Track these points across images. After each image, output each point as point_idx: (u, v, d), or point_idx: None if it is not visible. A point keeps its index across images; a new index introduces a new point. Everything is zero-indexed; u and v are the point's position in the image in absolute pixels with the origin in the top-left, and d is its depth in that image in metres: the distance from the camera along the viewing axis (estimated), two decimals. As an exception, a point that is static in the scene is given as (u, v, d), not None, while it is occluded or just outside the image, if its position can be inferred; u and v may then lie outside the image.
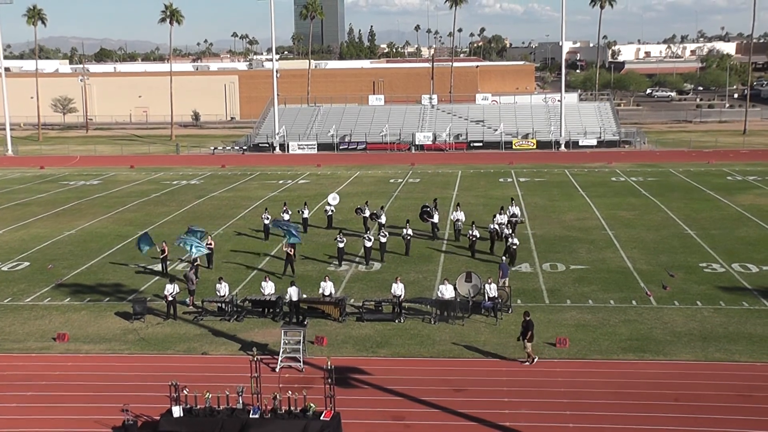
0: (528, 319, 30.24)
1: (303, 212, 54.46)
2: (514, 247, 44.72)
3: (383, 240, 46.67)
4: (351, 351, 32.14)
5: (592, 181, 75.41)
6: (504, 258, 41.77)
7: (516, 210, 52.91)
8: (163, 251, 44.20)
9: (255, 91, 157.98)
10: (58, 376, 30.20)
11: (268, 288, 36.77)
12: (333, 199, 56.70)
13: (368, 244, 45.89)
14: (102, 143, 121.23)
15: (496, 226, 48.33)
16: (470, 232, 47.06)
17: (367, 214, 52.76)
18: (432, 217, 51.56)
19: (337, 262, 45.74)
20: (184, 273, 40.72)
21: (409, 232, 48.17)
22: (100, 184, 79.66)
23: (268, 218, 52.78)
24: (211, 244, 45.63)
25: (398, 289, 36.13)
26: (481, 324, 34.74)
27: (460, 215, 51.81)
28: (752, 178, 74.94)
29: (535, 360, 30.25)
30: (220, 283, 37.15)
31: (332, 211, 55.61)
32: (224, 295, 36.70)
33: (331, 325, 35.13)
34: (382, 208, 53.15)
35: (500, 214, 50.43)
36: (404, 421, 25.92)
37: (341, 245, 46.02)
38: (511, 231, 46.99)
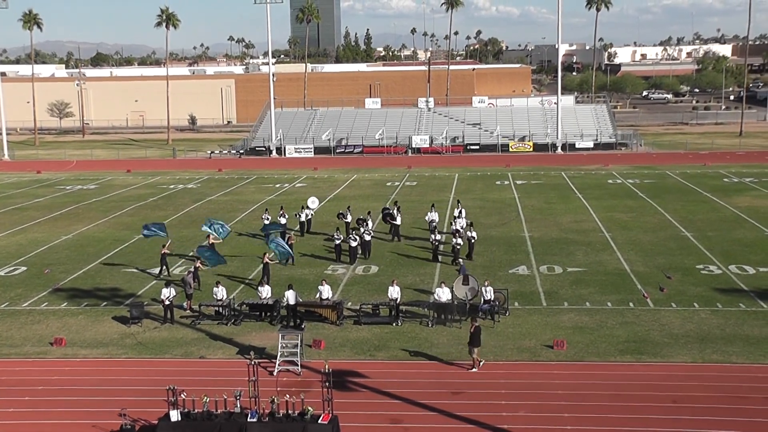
0: (476, 324, 30.29)
1: (300, 216, 54.54)
2: (458, 247, 45.65)
3: (367, 238, 47.78)
4: (349, 354, 32.15)
5: (588, 183, 75.47)
6: (461, 260, 41.93)
7: (458, 212, 53.28)
8: (163, 255, 44.55)
9: (251, 94, 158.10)
10: (56, 381, 30.17)
11: (265, 292, 36.80)
12: (312, 202, 56.70)
13: (353, 243, 46.52)
14: (98, 147, 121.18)
15: (459, 228, 48.51)
16: (432, 237, 47.47)
17: (349, 219, 52.68)
18: (394, 219, 51.93)
19: (335, 260, 46.78)
20: (182, 277, 40.66)
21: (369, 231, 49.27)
22: (97, 188, 79.61)
23: (268, 219, 53.24)
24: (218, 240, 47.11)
25: (395, 292, 36.16)
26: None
27: (435, 216, 52.34)
28: (748, 179, 75.04)
29: (482, 363, 30.17)
30: (218, 287, 37.12)
31: (311, 214, 55.54)
32: (221, 299, 36.70)
33: (328, 328, 35.12)
34: (369, 213, 53.25)
35: (458, 217, 50.82)
36: (402, 424, 25.92)
37: (338, 242, 47.02)
38: (454, 231, 47.71)
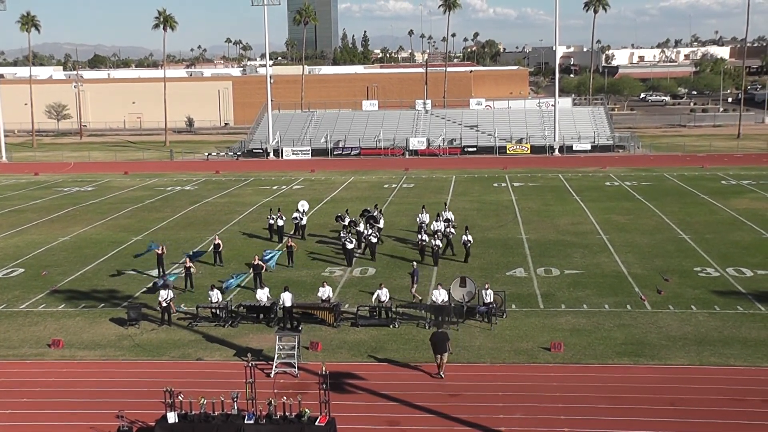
0: (440, 330, 29.97)
1: (301, 219, 54.39)
2: (437, 248, 46.03)
3: (374, 240, 47.73)
4: (346, 356, 32.15)
5: (586, 185, 75.52)
6: (414, 264, 41.91)
7: (437, 214, 53.09)
8: (160, 256, 44.65)
9: (249, 96, 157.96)
10: (53, 383, 30.15)
11: (263, 295, 36.77)
12: (301, 205, 56.59)
13: (350, 246, 46.46)
14: (96, 149, 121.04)
15: (438, 230, 48.81)
16: (419, 237, 47.78)
17: (347, 221, 52.65)
18: (377, 222, 51.79)
19: (346, 259, 47.05)
20: (164, 281, 40.14)
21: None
22: (95, 190, 79.57)
23: (273, 218, 53.80)
24: (218, 243, 47.86)
25: (383, 294, 36.17)
26: (476, 329, 34.75)
27: (425, 217, 52.57)
28: (746, 182, 75.09)
29: (442, 375, 29.56)
30: (212, 290, 37.10)
31: (300, 218, 55.32)
32: (216, 302, 36.67)
33: (325, 330, 35.12)
34: (361, 215, 53.21)
35: (436, 221, 51.17)
36: (399, 426, 25.92)
37: (344, 239, 47.39)
38: (434, 232, 48.24)
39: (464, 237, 46.99)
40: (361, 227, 50.53)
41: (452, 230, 48.97)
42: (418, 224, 52.07)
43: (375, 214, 53.38)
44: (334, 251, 49.58)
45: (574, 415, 26.27)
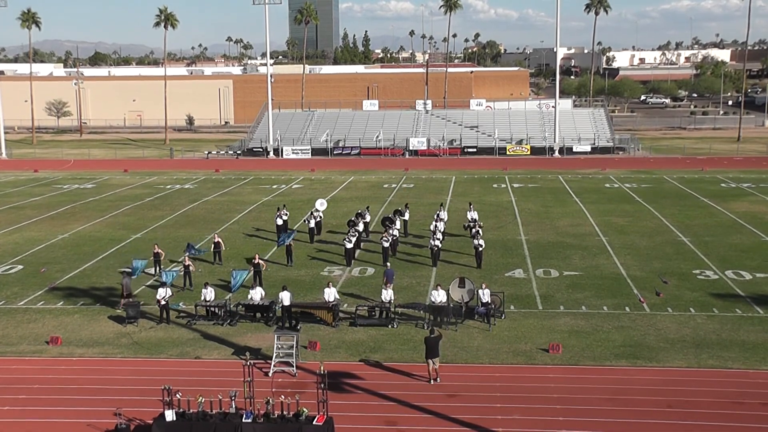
0: (435, 335, 29.77)
1: (309, 221, 54.21)
2: (436, 248, 46.15)
3: (386, 245, 46.69)
4: (344, 356, 32.14)
5: (585, 187, 75.51)
6: (388, 264, 41.74)
7: (436, 215, 52.90)
8: (157, 254, 44.59)
9: (249, 95, 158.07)
10: (51, 380, 30.13)
11: (257, 294, 36.71)
12: (321, 204, 56.56)
13: (349, 246, 46.29)
14: (96, 147, 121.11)
15: (435, 230, 48.86)
16: (431, 242, 47.38)
17: (368, 218, 52.74)
18: (393, 223, 51.48)
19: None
20: (123, 279, 39.86)
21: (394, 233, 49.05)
22: (94, 187, 79.56)
23: (287, 214, 54.17)
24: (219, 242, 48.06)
25: (387, 294, 36.13)
26: (474, 330, 34.76)
27: (444, 215, 52.56)
28: (746, 185, 75.10)
29: (438, 380, 29.30)
30: (206, 288, 37.04)
31: (320, 216, 55.26)
32: (210, 300, 36.63)
33: (324, 330, 35.11)
34: (360, 215, 53.11)
35: (436, 221, 51.05)
36: (397, 426, 25.92)
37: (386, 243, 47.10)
38: (433, 232, 48.28)
39: (475, 241, 46.37)
40: (360, 227, 50.48)
41: (479, 229, 48.57)
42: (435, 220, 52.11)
43: (392, 216, 52.67)
44: (333, 251, 49.56)
45: (572, 416, 26.27)
